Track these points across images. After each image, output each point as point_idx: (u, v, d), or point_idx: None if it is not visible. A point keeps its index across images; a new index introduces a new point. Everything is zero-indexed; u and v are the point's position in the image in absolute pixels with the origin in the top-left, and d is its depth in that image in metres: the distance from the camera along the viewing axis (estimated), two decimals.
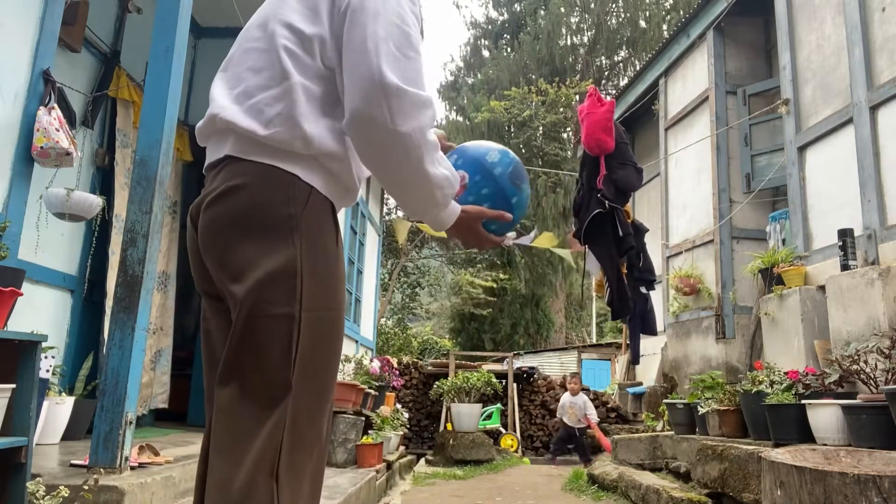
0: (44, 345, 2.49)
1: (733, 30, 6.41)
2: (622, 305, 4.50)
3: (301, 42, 1.13)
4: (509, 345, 16.71)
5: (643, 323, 4.72)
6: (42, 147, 3.09)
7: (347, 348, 7.04)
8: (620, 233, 4.22)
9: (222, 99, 1.19)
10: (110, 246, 4.14)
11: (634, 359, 4.86)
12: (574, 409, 7.33)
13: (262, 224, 1.08)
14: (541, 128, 17.42)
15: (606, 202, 4.18)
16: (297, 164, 1.10)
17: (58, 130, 3.14)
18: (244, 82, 1.16)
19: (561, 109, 17.33)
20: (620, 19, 19.89)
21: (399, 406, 6.74)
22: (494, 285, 16.21)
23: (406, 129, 1.04)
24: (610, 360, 13.81)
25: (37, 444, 2.72)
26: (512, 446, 7.73)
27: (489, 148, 1.40)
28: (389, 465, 5.15)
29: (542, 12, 20.34)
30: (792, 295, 4.37)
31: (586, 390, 8.52)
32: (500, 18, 22.47)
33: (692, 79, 6.82)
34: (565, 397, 7.63)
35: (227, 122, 1.14)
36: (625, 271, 4.45)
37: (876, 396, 2.93)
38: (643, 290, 4.65)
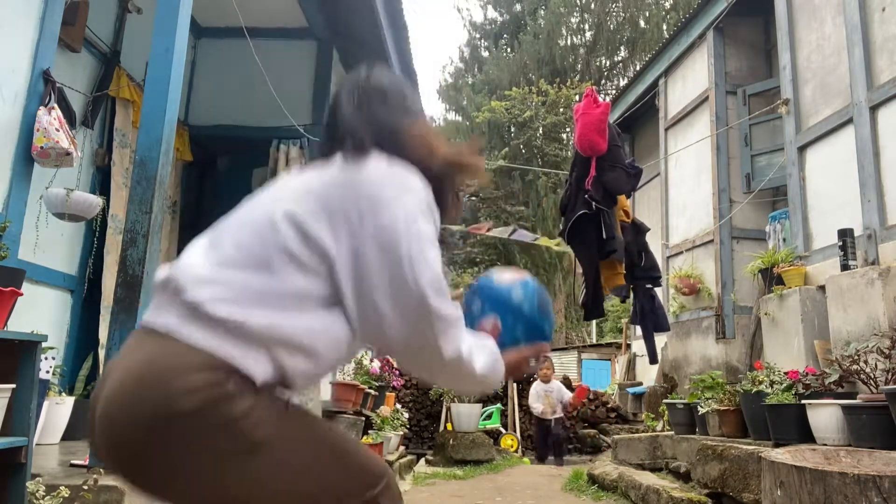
0: (44, 345, 2.49)
1: (733, 30, 6.41)
2: (596, 307, 4.50)
3: (305, 243, 1.04)
4: None
5: (654, 321, 4.73)
6: (42, 147, 3.10)
7: None
8: (604, 235, 4.21)
9: (194, 261, 1.06)
10: (105, 246, 4.14)
11: (652, 358, 4.86)
12: (550, 397, 6.92)
13: (204, 426, 0.93)
14: (541, 128, 17.43)
15: (593, 203, 4.17)
16: (250, 352, 0.99)
17: (58, 130, 3.14)
18: (225, 254, 1.06)
19: (561, 110, 17.33)
20: (620, 19, 19.89)
21: (399, 406, 6.73)
22: None
23: (452, 354, 1.07)
24: (610, 360, 13.81)
25: (37, 444, 2.72)
26: (512, 446, 7.72)
27: (509, 285, 1.40)
28: (389, 465, 5.14)
29: (542, 12, 20.34)
30: (792, 295, 4.36)
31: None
32: (500, 19, 22.47)
33: (692, 79, 6.82)
34: (537, 387, 7.11)
35: (184, 289, 1.01)
36: (622, 271, 4.45)
37: (876, 396, 2.93)
38: (649, 286, 4.65)
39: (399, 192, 1.08)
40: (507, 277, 1.44)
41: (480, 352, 1.15)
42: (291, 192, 1.12)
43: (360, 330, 1.07)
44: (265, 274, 1.02)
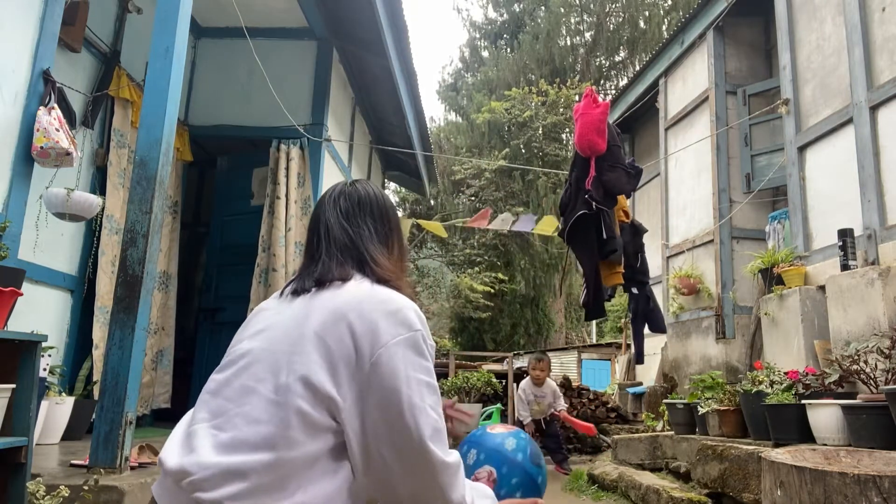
0: (44, 345, 2.49)
1: (733, 30, 6.41)
2: (597, 307, 4.50)
3: (315, 400, 1.03)
4: (509, 345, 16.71)
5: (649, 321, 4.73)
6: (42, 147, 3.10)
7: None
8: (604, 235, 4.21)
9: (205, 451, 1.01)
10: (101, 246, 4.14)
11: (638, 359, 4.86)
12: (542, 403, 5.83)
13: None
14: (541, 128, 17.43)
15: (593, 203, 4.17)
16: None
17: (58, 130, 3.14)
18: (237, 436, 1.02)
19: (561, 110, 17.33)
20: (620, 20, 19.89)
21: None
22: (492, 290, 16.17)
23: (458, 498, 1.08)
24: (610, 360, 13.81)
25: (37, 444, 2.72)
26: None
27: (503, 436, 1.47)
28: None
29: (542, 13, 20.34)
30: (792, 295, 4.36)
31: (585, 390, 8.46)
32: (500, 19, 22.46)
33: (692, 79, 6.81)
34: (526, 388, 5.98)
35: (202, 487, 0.98)
36: (621, 270, 4.45)
37: (876, 396, 2.93)
38: (634, 290, 4.66)
39: (394, 328, 1.07)
40: (499, 429, 1.50)
41: (482, 501, 1.17)
42: (291, 343, 1.07)
43: (366, 481, 1.05)
44: (281, 450, 0.99)
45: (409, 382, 1.04)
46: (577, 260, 4.59)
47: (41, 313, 3.72)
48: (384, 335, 1.06)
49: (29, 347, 2.33)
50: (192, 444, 1.03)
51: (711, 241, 6.13)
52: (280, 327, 1.12)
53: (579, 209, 4.28)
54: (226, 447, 1.00)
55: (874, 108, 4.16)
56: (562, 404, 5.93)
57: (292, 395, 1.01)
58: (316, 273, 1.17)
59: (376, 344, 1.05)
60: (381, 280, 1.17)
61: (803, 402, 3.30)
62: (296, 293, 1.17)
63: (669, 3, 19.07)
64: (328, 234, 1.23)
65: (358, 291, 1.12)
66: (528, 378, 6.15)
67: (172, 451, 1.05)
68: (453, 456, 1.09)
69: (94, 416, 2.61)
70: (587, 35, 20.44)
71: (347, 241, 1.22)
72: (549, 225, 6.31)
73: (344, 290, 1.13)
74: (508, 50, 21.39)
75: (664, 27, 18.27)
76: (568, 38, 20.30)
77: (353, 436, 1.03)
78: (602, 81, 20.42)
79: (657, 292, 5.44)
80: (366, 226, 1.25)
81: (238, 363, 1.10)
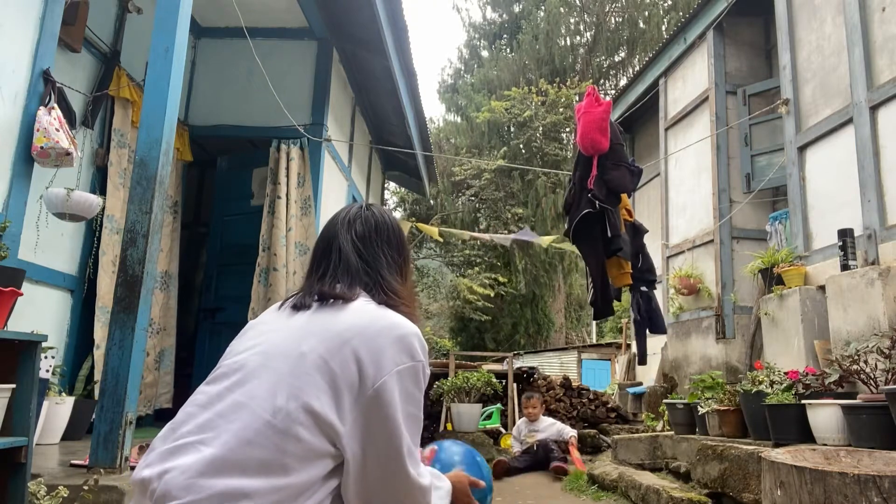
0: (44, 345, 2.49)
1: (733, 30, 6.41)
2: (605, 306, 4.49)
3: (316, 427, 1.00)
4: (510, 345, 16.71)
5: (651, 322, 4.73)
6: (42, 147, 3.10)
7: None
8: (609, 234, 4.21)
9: (190, 471, 0.94)
10: (101, 246, 4.14)
11: (641, 359, 4.87)
12: (534, 436, 5.74)
13: None
14: (541, 128, 17.43)
15: (597, 202, 4.17)
16: None
17: (58, 130, 3.14)
18: (224, 448, 0.96)
19: (561, 110, 17.33)
20: (620, 20, 19.89)
21: None
22: (492, 292, 16.15)
23: None
24: (610, 360, 13.80)
25: (37, 444, 2.72)
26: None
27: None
28: None
29: (541, 13, 20.33)
30: (792, 295, 4.36)
31: (585, 390, 8.45)
32: (499, 19, 22.47)
33: (692, 79, 6.82)
34: (521, 423, 6.06)
35: None
36: (629, 270, 4.45)
37: (876, 396, 2.93)
38: (644, 289, 4.66)
39: (399, 356, 1.07)
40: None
41: (441, 499, 1.23)
42: (291, 364, 1.03)
43: (351, 496, 1.05)
44: (274, 476, 0.95)
45: (403, 414, 1.06)
46: (584, 259, 4.59)
47: (41, 313, 3.72)
48: (388, 363, 1.05)
49: (29, 347, 2.33)
50: (176, 462, 0.96)
51: (711, 241, 6.13)
52: (278, 344, 1.08)
53: (583, 208, 4.28)
54: (215, 468, 0.93)
55: (874, 108, 4.16)
56: (568, 432, 5.73)
57: (292, 421, 0.97)
58: (317, 291, 1.16)
59: (380, 371, 1.04)
60: (388, 304, 1.16)
61: (803, 402, 3.30)
62: (296, 308, 1.15)
63: (669, 2, 19.07)
64: (340, 257, 1.21)
65: (363, 313, 1.11)
66: (523, 418, 6.20)
67: (152, 465, 0.99)
68: (426, 478, 1.13)
69: (94, 416, 2.61)
70: (587, 35, 20.44)
71: (362, 266, 1.20)
72: (549, 240, 6.37)
73: (348, 310, 1.11)
74: (508, 50, 21.40)
75: (664, 27, 18.26)
76: (567, 38, 20.31)
77: (353, 460, 1.02)
78: (602, 81, 20.42)
79: (657, 292, 5.45)
80: (382, 253, 1.24)
81: (231, 377, 1.06)
